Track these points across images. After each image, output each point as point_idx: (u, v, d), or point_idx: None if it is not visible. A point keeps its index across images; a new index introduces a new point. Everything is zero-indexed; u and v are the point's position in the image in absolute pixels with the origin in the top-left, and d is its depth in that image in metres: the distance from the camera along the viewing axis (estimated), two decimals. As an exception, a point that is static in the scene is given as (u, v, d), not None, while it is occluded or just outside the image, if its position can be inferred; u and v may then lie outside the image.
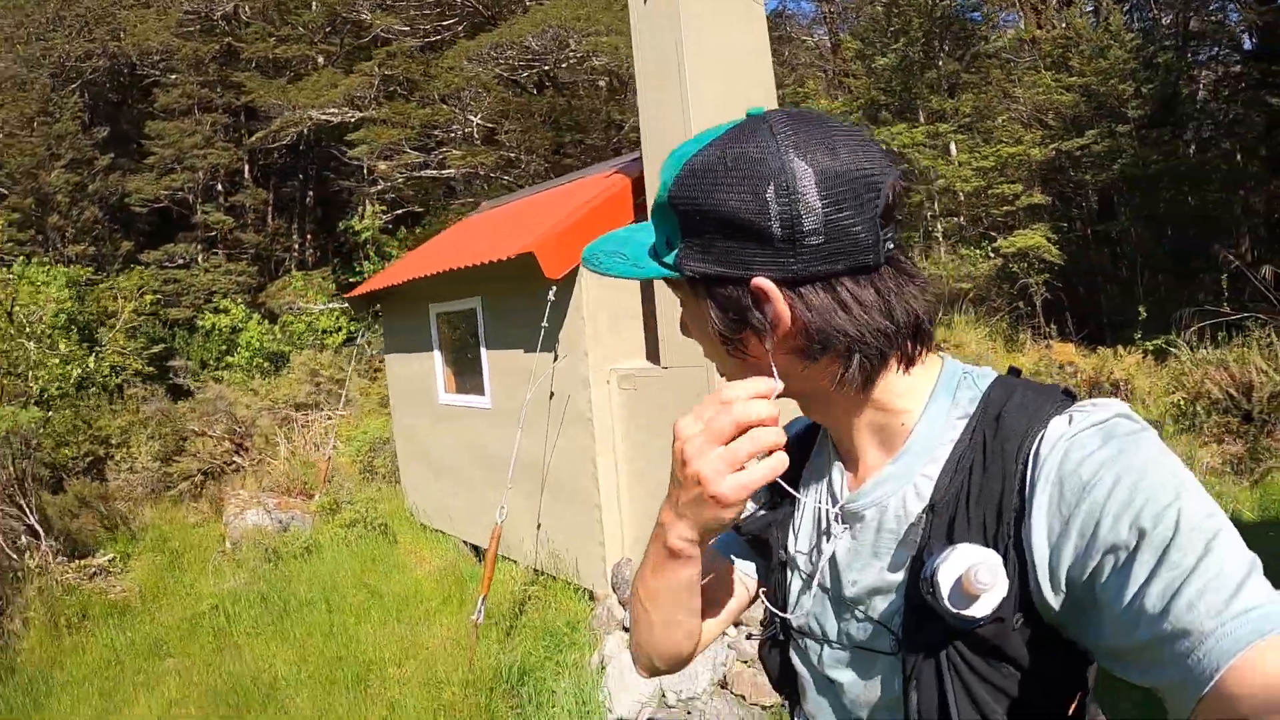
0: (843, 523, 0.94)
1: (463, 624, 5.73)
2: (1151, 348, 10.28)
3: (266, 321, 17.54)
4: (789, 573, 1.03)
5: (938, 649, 0.81)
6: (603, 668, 4.80)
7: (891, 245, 0.82)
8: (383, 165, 16.75)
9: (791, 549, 1.03)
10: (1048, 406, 0.81)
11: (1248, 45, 15.23)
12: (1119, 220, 14.29)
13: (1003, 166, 13.92)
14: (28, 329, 9.99)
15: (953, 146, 14.74)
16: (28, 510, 7.72)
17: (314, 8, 21.04)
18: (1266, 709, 0.59)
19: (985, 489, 0.80)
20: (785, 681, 1.07)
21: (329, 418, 11.44)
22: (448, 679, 5.04)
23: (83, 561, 7.57)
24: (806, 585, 0.99)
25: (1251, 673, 0.60)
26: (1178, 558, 0.66)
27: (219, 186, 22.16)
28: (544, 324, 5.51)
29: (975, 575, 0.73)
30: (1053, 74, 14.09)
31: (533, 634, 5.49)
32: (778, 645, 1.06)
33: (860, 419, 0.91)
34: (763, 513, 1.07)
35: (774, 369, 0.86)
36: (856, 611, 0.91)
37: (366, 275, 18.20)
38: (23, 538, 7.42)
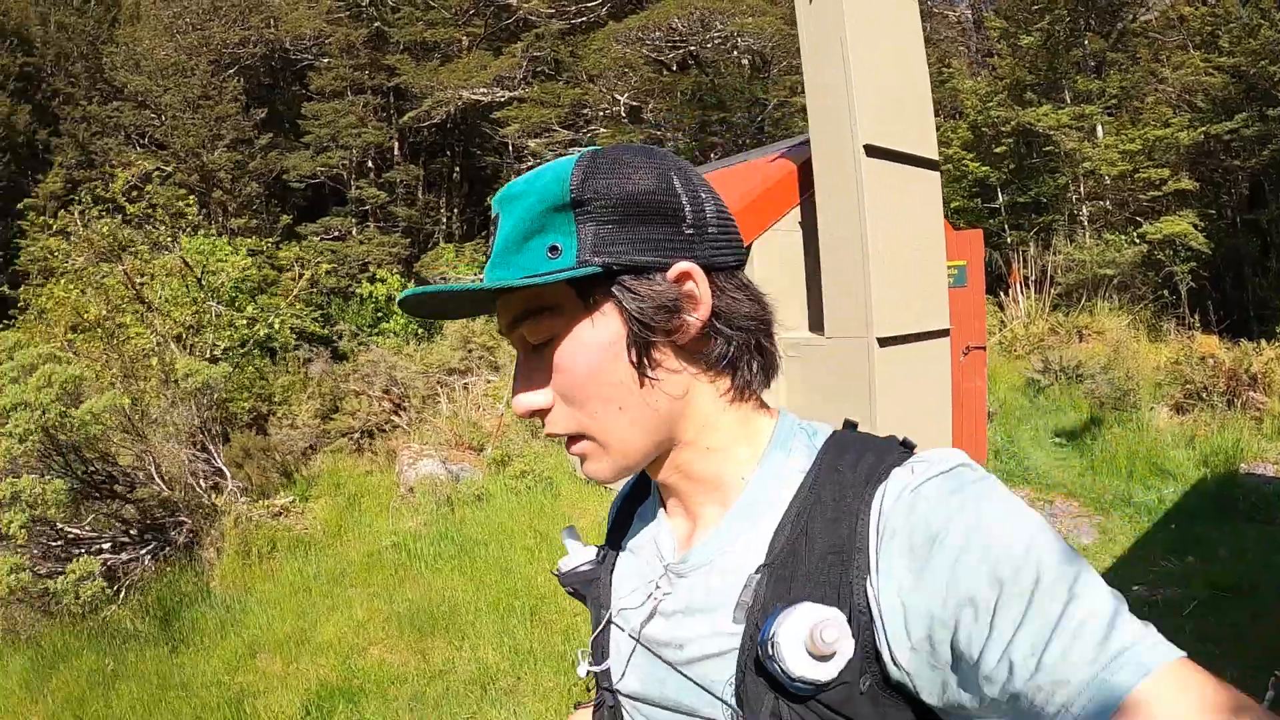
0: (671, 583, 0.89)
1: None
2: None
3: (420, 290, 18.62)
4: (613, 631, 0.97)
5: (777, 717, 0.75)
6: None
7: None
8: (533, 143, 17.57)
9: (616, 606, 0.98)
10: (887, 458, 0.79)
11: None
12: (1269, 208, 13.86)
13: (1150, 150, 13.70)
14: (217, 293, 11.02)
15: (1099, 129, 14.54)
16: (214, 454, 8.58)
17: (457, -9, 22.07)
18: None
19: (825, 545, 0.76)
20: None
21: (488, 380, 12.20)
22: None
23: (266, 502, 8.33)
24: (633, 646, 0.93)
25: (1135, 717, 0.60)
26: (1042, 606, 0.64)
27: (369, 164, 23.47)
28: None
29: (820, 634, 0.69)
30: (1201, 54, 13.78)
31: None
32: (610, 710, 0.99)
33: (697, 469, 0.87)
34: (587, 566, 1.04)
35: (681, 390, 0.83)
36: (685, 675, 0.85)
37: (512, 248, 19.13)
38: (201, 481, 8.14)
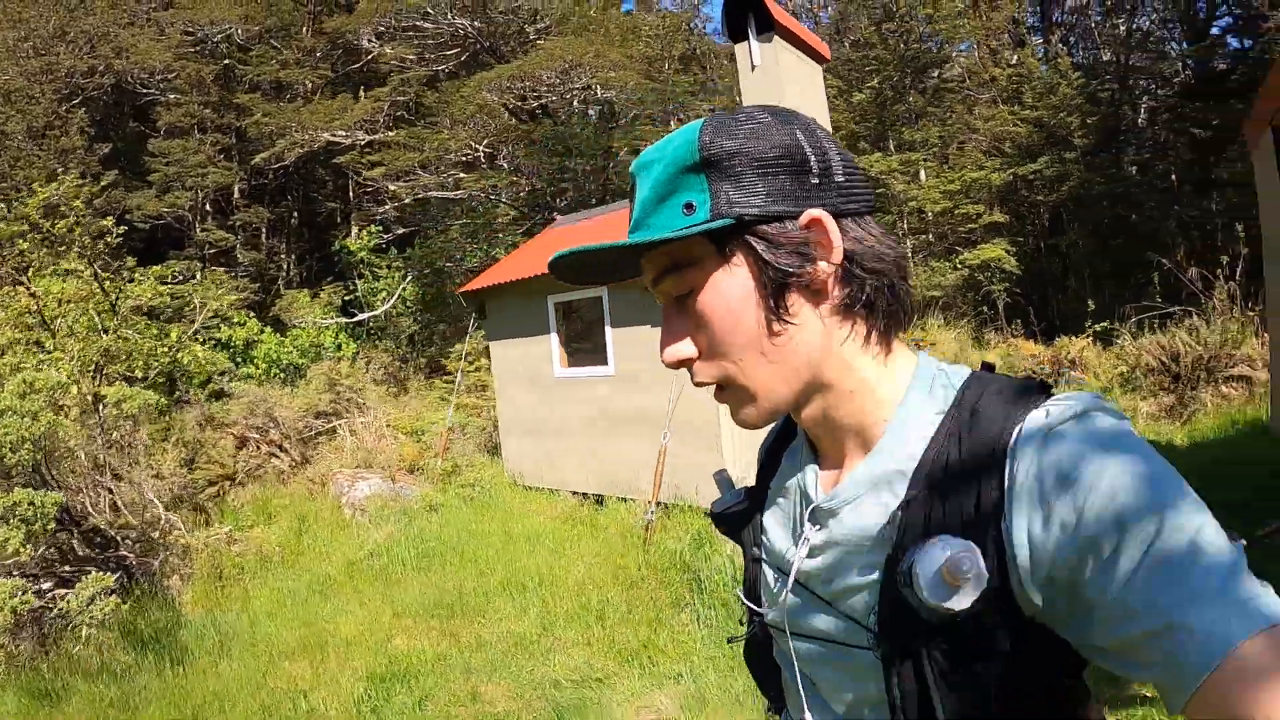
0: (815, 522, 0.92)
1: (605, 545, 6.97)
2: (1099, 329, 12.60)
3: (278, 335, 18.44)
4: (763, 568, 1.03)
5: (917, 646, 0.79)
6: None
7: None
8: (394, 186, 17.97)
9: (766, 544, 1.03)
10: (1024, 400, 0.80)
11: (1180, 79, 17.92)
12: (1068, 235, 16.54)
13: (967, 189, 15.99)
14: (130, 322, 10.81)
15: (922, 173, 16.74)
16: (144, 486, 8.35)
17: (306, 32, 22.19)
18: (1258, 707, 0.60)
19: (962, 485, 0.79)
20: (770, 683, 1.09)
21: (388, 413, 12.51)
22: (625, 564, 6.33)
23: (211, 530, 8.25)
24: (782, 582, 0.97)
25: (1242, 670, 0.61)
26: (1162, 552, 0.66)
27: (207, 207, 22.94)
28: (685, 300, 7.09)
29: (956, 565, 0.72)
30: (1009, 108, 16.36)
31: (677, 536, 6.70)
32: (760, 644, 1.07)
33: (841, 412, 0.89)
34: (739, 506, 1.08)
35: (820, 335, 0.84)
36: (833, 609, 0.89)
37: (361, 294, 19.39)
38: (145, 512, 7.98)
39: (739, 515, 1.07)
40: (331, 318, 18.83)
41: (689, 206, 0.83)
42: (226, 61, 22.19)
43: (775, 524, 1.01)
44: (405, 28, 19.57)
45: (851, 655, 0.87)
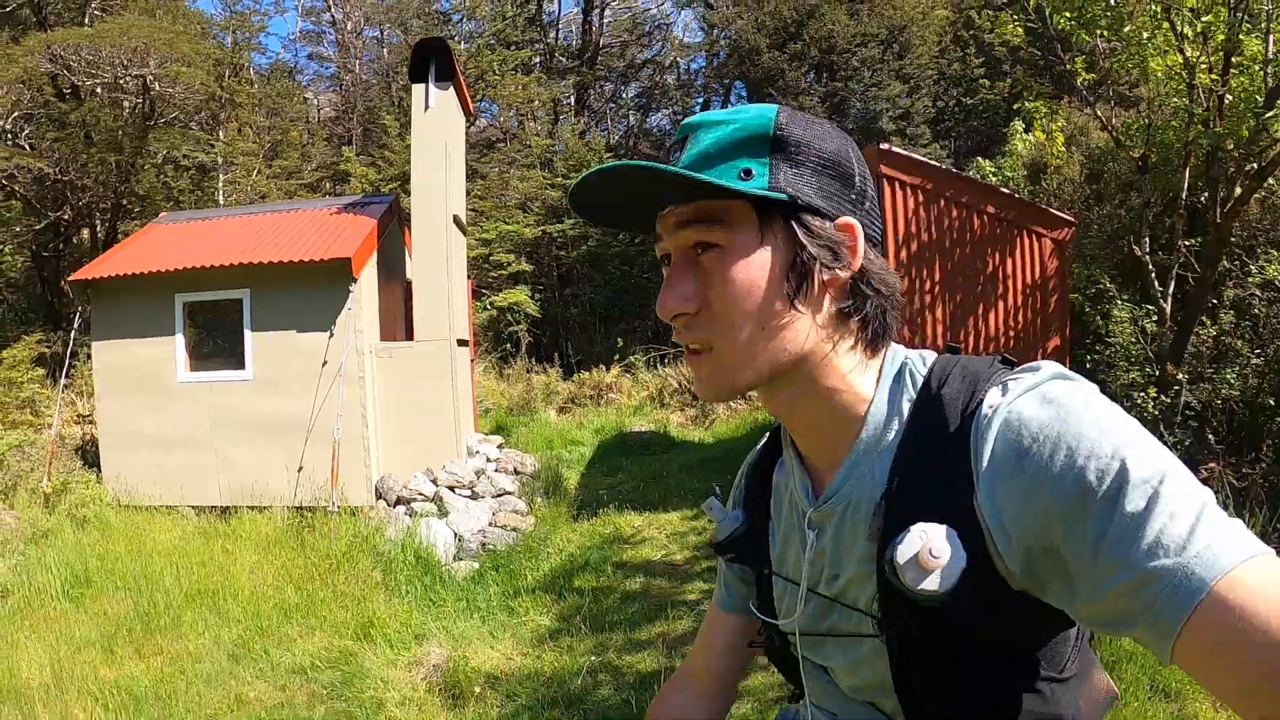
0: (811, 526, 0.96)
1: (266, 552, 6.80)
2: (627, 363, 15.50)
3: None
4: (775, 581, 1.06)
5: (914, 629, 0.83)
6: (417, 529, 7.03)
7: None
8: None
9: (772, 558, 1.07)
10: (983, 378, 0.83)
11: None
12: (583, 285, 19.45)
13: (501, 239, 18.05)
14: None
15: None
16: None
17: None
18: (1233, 646, 0.62)
19: (933, 468, 0.82)
20: (794, 675, 1.10)
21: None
22: (296, 562, 6.49)
23: None
24: (792, 591, 1.01)
25: (1216, 612, 0.62)
26: (1128, 508, 0.67)
27: None
28: (349, 307, 7.72)
29: (929, 550, 0.76)
30: (543, 173, 18.83)
31: (327, 540, 6.85)
32: (778, 650, 1.10)
33: (822, 409, 0.91)
34: (740, 531, 1.11)
35: (814, 331, 0.87)
36: (839, 604, 0.93)
37: None
38: None
39: (742, 539, 1.11)
40: None
41: (747, 172, 0.84)
42: None
43: (779, 538, 1.05)
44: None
45: (860, 644, 0.92)
